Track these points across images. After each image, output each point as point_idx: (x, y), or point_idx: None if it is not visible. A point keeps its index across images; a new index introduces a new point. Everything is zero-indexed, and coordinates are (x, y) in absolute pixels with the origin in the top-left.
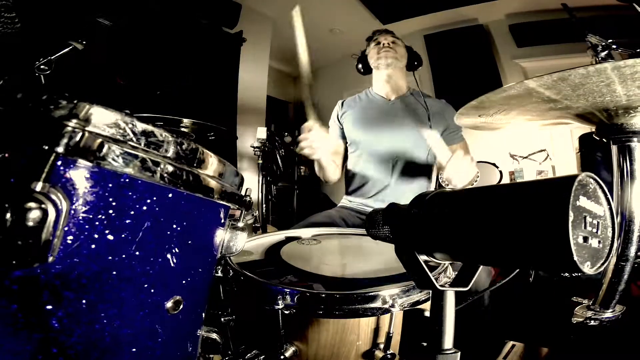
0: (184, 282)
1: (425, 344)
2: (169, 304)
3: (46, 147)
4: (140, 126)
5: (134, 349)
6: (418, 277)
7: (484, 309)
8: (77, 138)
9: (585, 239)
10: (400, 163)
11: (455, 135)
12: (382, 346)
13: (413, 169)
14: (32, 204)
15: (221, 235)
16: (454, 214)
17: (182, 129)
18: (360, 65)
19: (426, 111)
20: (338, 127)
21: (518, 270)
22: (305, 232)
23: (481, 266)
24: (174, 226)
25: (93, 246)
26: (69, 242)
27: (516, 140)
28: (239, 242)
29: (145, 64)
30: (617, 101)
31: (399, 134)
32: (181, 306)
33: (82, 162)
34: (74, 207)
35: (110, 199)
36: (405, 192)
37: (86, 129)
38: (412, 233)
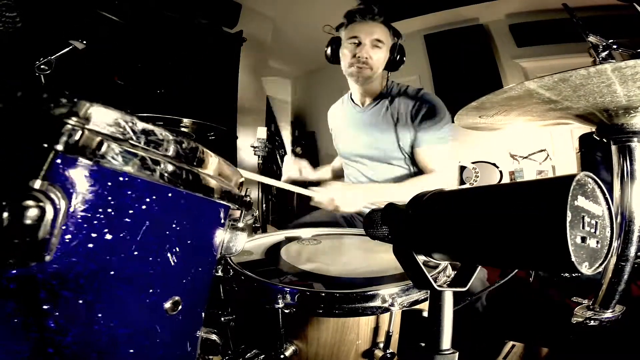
0: (183, 282)
1: (423, 344)
2: (167, 305)
3: (45, 145)
4: (140, 125)
5: (131, 350)
6: (416, 278)
7: (480, 312)
8: (77, 136)
9: (584, 239)
10: (380, 168)
11: (425, 134)
12: (381, 345)
13: (395, 174)
14: (30, 202)
15: (221, 236)
16: (451, 214)
17: (182, 129)
18: (329, 50)
19: (392, 119)
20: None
21: (516, 270)
22: (305, 232)
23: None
24: (174, 226)
25: (91, 245)
26: (67, 241)
27: (516, 140)
28: (239, 242)
29: (146, 64)
30: (618, 102)
31: (374, 141)
32: (180, 307)
33: (81, 160)
34: (72, 205)
35: (109, 198)
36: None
37: (86, 127)
38: (410, 233)
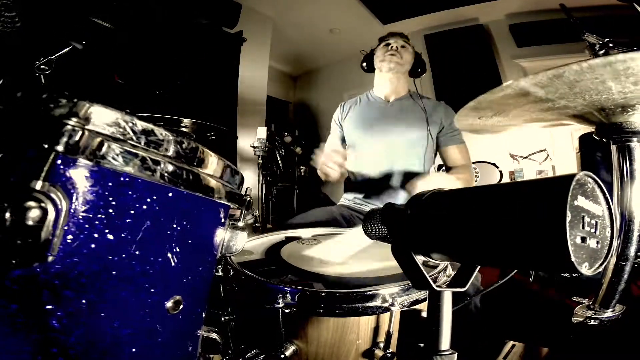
0: (184, 281)
1: (422, 345)
2: (168, 304)
3: (46, 146)
4: (140, 125)
5: (133, 349)
6: (414, 278)
7: (473, 313)
8: (77, 137)
9: (584, 239)
10: (398, 164)
11: (452, 137)
12: (382, 345)
13: (410, 169)
14: (31, 203)
15: (221, 235)
16: (450, 213)
17: (182, 129)
18: (365, 64)
19: (424, 113)
20: (339, 129)
21: (515, 271)
22: (305, 232)
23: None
24: (174, 225)
25: (93, 245)
26: (69, 241)
27: (516, 140)
28: (239, 241)
29: (146, 64)
30: (613, 99)
31: (395, 135)
32: (181, 306)
33: (82, 160)
34: (73, 206)
35: (110, 198)
36: (403, 192)
37: (86, 127)
38: (409, 233)
